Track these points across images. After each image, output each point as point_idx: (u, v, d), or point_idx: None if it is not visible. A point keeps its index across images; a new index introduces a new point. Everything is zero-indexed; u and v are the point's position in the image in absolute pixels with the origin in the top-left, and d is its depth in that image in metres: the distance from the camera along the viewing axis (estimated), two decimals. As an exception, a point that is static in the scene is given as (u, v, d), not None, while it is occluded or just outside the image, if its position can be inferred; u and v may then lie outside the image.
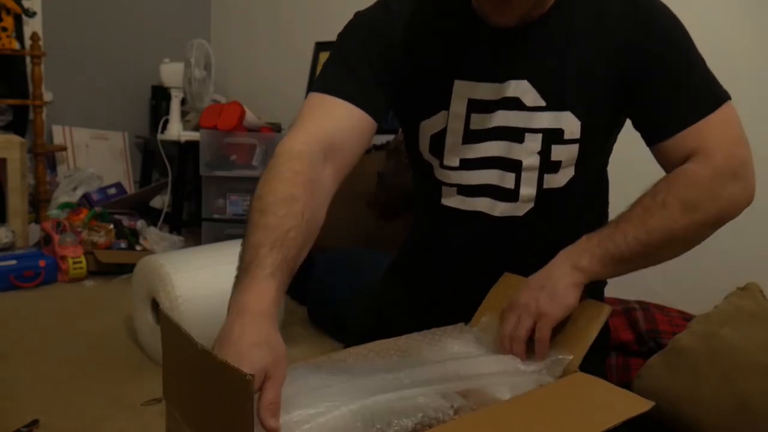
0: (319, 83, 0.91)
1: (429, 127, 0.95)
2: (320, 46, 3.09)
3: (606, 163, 1.03)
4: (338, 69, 0.91)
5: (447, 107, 0.92)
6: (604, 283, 1.10)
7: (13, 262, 2.43)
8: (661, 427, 1.31)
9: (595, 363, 0.99)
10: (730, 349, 1.28)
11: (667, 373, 1.33)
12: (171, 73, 3.19)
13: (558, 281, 0.83)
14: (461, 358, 0.80)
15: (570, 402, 0.73)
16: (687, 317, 1.54)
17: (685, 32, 0.89)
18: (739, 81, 1.70)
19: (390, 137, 2.48)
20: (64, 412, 1.55)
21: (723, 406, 1.23)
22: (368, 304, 1.28)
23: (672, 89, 0.86)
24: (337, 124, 0.86)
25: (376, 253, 2.06)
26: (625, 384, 1.43)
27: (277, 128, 3.07)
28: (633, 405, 0.72)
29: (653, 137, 0.89)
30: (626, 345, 1.51)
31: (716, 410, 1.24)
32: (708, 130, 0.85)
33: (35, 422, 1.47)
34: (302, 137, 0.83)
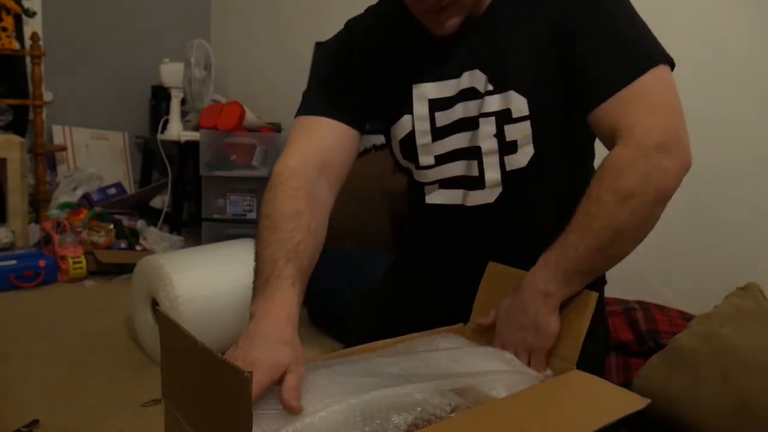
0: (302, 108, 0.99)
1: (397, 131, 1.00)
2: (320, 46, 3.09)
3: (587, 154, 1.02)
4: (315, 91, 1.00)
5: (410, 111, 0.97)
6: (603, 283, 1.10)
7: (13, 262, 2.43)
8: (661, 427, 1.31)
9: (594, 363, 1.00)
10: (730, 349, 1.28)
11: (667, 373, 1.33)
12: (171, 73, 3.19)
13: (536, 315, 0.84)
14: (457, 355, 0.80)
15: (566, 399, 0.73)
16: (687, 317, 1.54)
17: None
18: (739, 81, 1.71)
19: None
20: (64, 412, 1.55)
21: (723, 406, 1.23)
22: (369, 304, 1.28)
23: (594, 55, 0.84)
24: (324, 141, 0.94)
25: (376, 253, 2.06)
26: (625, 384, 1.43)
27: (277, 128, 3.07)
28: (629, 402, 0.72)
29: (582, 109, 0.86)
30: (626, 345, 1.51)
31: (716, 410, 1.24)
32: (631, 101, 0.81)
33: (35, 422, 1.47)
34: (296, 156, 0.91)
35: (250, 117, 2.90)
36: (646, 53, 0.83)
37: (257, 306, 0.75)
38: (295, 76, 3.19)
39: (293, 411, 0.61)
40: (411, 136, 0.98)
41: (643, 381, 1.36)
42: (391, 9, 1.00)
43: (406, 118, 0.98)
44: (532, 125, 0.91)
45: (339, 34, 1.05)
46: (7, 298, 2.31)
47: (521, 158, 0.93)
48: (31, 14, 3.05)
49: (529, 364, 0.85)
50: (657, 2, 1.75)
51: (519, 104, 0.90)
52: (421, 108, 0.96)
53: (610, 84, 0.82)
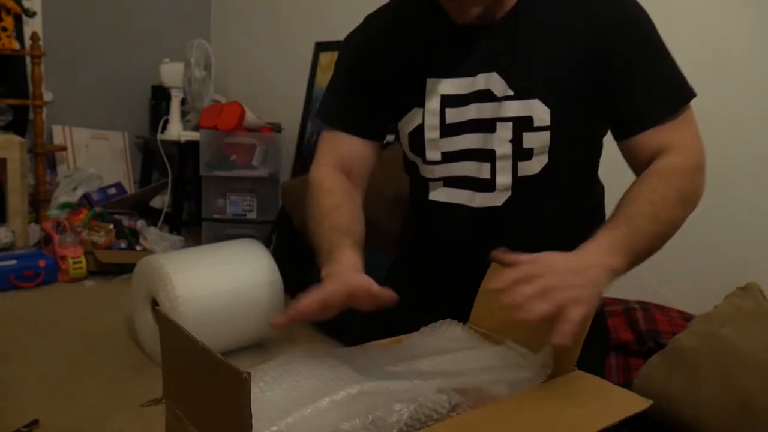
0: (324, 113, 1.07)
1: (406, 124, 1.00)
2: (320, 46, 3.09)
3: (595, 163, 1.03)
4: (336, 99, 1.06)
5: (421, 104, 0.98)
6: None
7: (13, 262, 2.43)
8: (661, 427, 1.31)
9: (595, 363, 0.99)
10: (730, 349, 1.28)
11: (667, 373, 1.33)
12: (171, 73, 3.20)
13: (597, 282, 0.77)
14: (459, 354, 0.80)
15: (568, 400, 0.73)
16: (687, 317, 1.54)
17: (653, 26, 0.91)
18: (739, 81, 1.71)
19: (391, 137, 2.47)
20: (64, 412, 1.55)
21: (723, 406, 1.23)
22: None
23: (643, 85, 0.89)
24: (347, 153, 1.04)
25: (376, 253, 2.05)
26: (625, 384, 1.43)
27: (277, 128, 3.07)
28: (631, 403, 0.71)
29: (624, 132, 0.92)
30: (626, 345, 1.51)
31: (716, 410, 1.24)
32: (681, 126, 0.90)
33: (35, 422, 1.47)
34: (324, 167, 1.03)
35: (250, 117, 2.90)
36: (685, 84, 0.92)
37: (326, 270, 0.87)
38: (295, 76, 3.20)
39: (389, 299, 0.82)
40: (420, 129, 0.98)
41: (643, 381, 1.36)
42: (411, 5, 1.00)
43: (417, 111, 0.98)
44: (552, 136, 0.92)
45: (357, 31, 1.06)
46: (7, 298, 2.31)
47: (535, 165, 0.94)
48: (31, 14, 3.05)
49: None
50: (657, 2, 1.76)
51: (542, 114, 0.91)
52: (432, 102, 0.96)
53: (659, 114, 0.90)
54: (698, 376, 1.28)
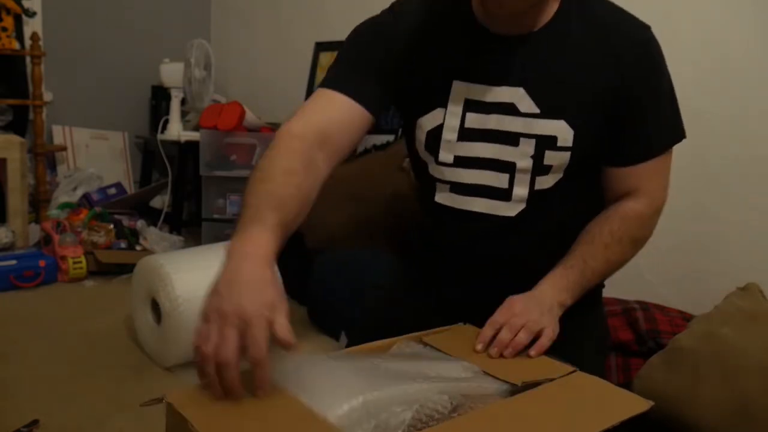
0: (324, 80, 0.99)
1: (426, 123, 0.99)
2: (320, 46, 3.09)
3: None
4: (343, 67, 1.00)
5: (444, 105, 0.97)
6: (602, 286, 1.11)
7: (13, 262, 2.42)
8: (661, 427, 1.31)
9: (595, 363, 1.00)
10: (730, 349, 1.28)
11: (667, 373, 1.33)
12: (171, 73, 3.19)
13: (552, 312, 0.94)
14: (460, 362, 0.80)
15: (568, 402, 0.73)
16: (687, 317, 1.54)
17: (667, 73, 0.97)
18: (739, 81, 1.70)
19: (390, 137, 2.47)
20: (64, 412, 1.54)
21: (723, 406, 1.23)
22: (369, 304, 1.28)
23: (634, 127, 0.95)
24: (333, 114, 0.94)
25: (376, 253, 2.06)
26: (625, 384, 1.43)
27: (277, 128, 3.07)
28: (632, 405, 0.72)
29: (611, 161, 0.99)
30: (626, 345, 1.51)
31: (716, 410, 1.24)
32: (654, 171, 0.99)
33: (35, 422, 1.47)
34: (300, 122, 0.93)
35: (250, 117, 2.90)
36: (679, 129, 0.99)
37: (233, 247, 0.75)
38: (295, 76, 3.19)
39: (289, 345, 0.66)
40: (439, 129, 0.98)
41: (643, 381, 1.36)
42: (447, 5, 0.99)
43: (439, 111, 0.98)
44: (572, 157, 0.94)
45: (384, 12, 1.03)
46: (7, 298, 2.31)
47: (550, 180, 0.97)
48: (31, 14, 3.04)
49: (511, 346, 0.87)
50: (658, 2, 1.76)
51: (566, 134, 0.93)
52: (456, 104, 0.97)
53: (649, 150, 0.97)
54: (698, 376, 1.28)
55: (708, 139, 1.70)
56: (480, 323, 0.91)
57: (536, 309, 0.91)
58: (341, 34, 1.09)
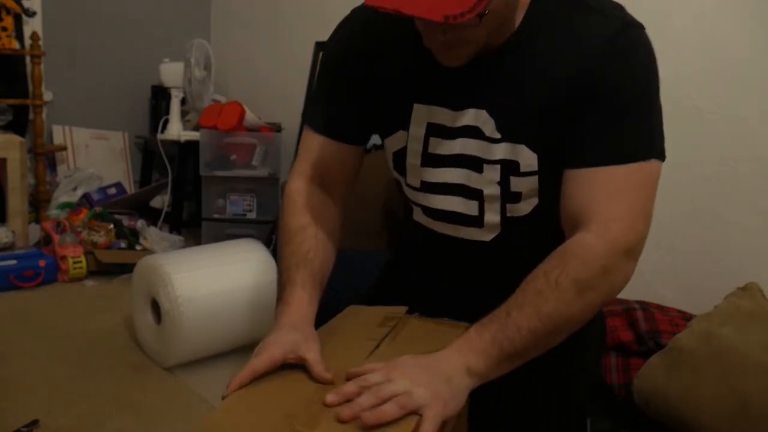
0: (308, 115, 1.04)
1: (390, 145, 0.98)
2: (320, 46, 3.09)
3: None
4: (321, 99, 1.02)
5: (406, 128, 0.93)
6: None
7: (13, 262, 2.43)
8: (661, 427, 1.31)
9: (593, 363, 0.99)
10: (730, 349, 1.28)
11: (667, 373, 1.33)
12: (171, 73, 3.19)
13: (452, 382, 0.73)
14: None
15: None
16: (687, 317, 1.54)
17: (652, 77, 0.83)
18: (739, 81, 1.71)
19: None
20: (64, 412, 1.55)
21: (723, 406, 1.23)
22: (368, 303, 1.28)
23: (605, 125, 0.81)
24: (324, 156, 0.99)
25: (376, 252, 2.05)
26: (625, 384, 1.43)
27: (277, 128, 3.07)
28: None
29: (569, 162, 0.83)
30: (626, 345, 1.51)
31: (716, 410, 1.24)
32: (615, 189, 0.79)
33: (35, 422, 1.47)
34: (300, 177, 1.00)
35: (250, 117, 2.90)
36: (654, 144, 0.82)
37: (277, 310, 0.87)
38: (295, 76, 3.19)
39: (327, 381, 0.73)
40: (403, 151, 0.95)
41: (643, 381, 1.36)
42: (407, 20, 0.90)
43: (402, 133, 0.94)
44: (540, 180, 0.87)
45: (342, 28, 0.98)
46: (7, 298, 2.31)
47: (524, 207, 0.90)
48: (31, 14, 3.05)
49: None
50: (658, 4, 1.76)
51: (529, 159, 0.86)
52: (418, 129, 0.92)
53: (613, 154, 0.80)
54: (698, 376, 1.28)
55: (708, 139, 1.70)
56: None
57: (424, 379, 0.70)
58: (341, 34, 1.09)
